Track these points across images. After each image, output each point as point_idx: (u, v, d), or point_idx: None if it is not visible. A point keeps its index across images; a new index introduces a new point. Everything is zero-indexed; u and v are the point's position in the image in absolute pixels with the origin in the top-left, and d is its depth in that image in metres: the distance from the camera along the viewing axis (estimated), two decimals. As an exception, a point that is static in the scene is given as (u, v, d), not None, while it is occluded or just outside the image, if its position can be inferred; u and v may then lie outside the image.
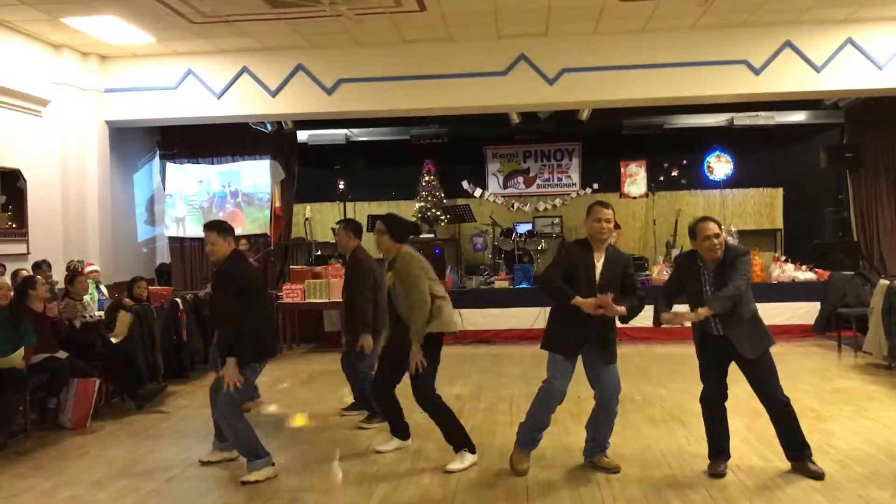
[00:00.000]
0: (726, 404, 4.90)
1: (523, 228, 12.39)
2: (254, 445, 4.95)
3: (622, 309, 4.66)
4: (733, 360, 4.81)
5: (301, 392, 7.84)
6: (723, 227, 4.91)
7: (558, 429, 5.98)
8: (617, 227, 12.21)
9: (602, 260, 4.81)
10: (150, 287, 8.42)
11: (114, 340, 7.13)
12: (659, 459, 5.18)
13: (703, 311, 4.59)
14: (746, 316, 4.71)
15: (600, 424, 4.99)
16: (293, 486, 4.85)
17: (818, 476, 4.66)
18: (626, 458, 5.19)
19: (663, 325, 4.86)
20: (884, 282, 8.24)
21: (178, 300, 8.62)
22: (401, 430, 5.60)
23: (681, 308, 4.83)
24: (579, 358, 4.87)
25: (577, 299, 4.67)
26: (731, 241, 5.38)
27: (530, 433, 4.97)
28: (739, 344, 4.69)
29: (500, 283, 11.06)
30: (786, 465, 4.90)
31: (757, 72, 9.39)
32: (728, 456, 4.89)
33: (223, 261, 5.02)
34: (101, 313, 7.83)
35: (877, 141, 11.46)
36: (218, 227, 5.07)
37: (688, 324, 4.82)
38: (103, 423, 6.62)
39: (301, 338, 10.94)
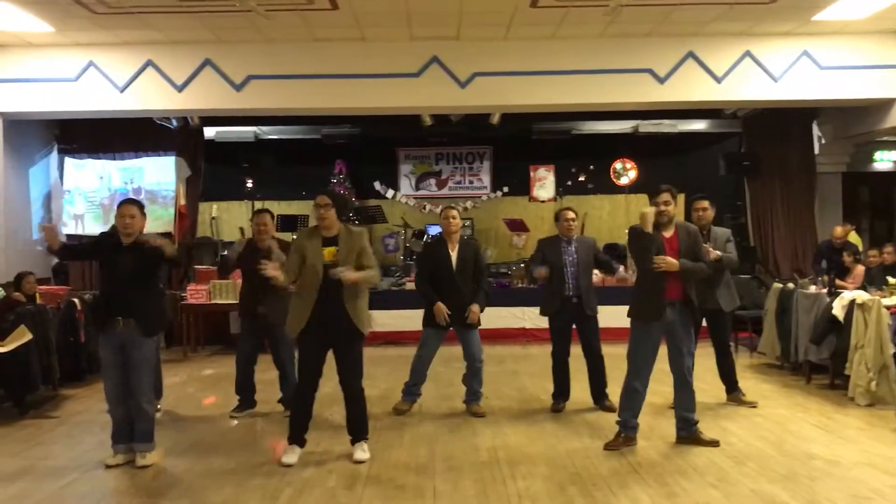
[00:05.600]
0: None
1: (435, 230, 12.43)
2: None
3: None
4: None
5: (203, 395, 7.66)
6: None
7: (466, 429, 6.05)
8: (526, 229, 12.44)
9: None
10: (49, 287, 8.06)
11: (0, 350, 6.69)
12: (563, 457, 5.28)
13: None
14: None
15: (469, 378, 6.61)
16: (194, 491, 4.73)
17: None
18: (532, 457, 5.28)
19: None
20: (777, 285, 8.62)
21: (76, 300, 8.27)
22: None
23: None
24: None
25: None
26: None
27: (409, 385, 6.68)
28: None
29: (412, 285, 11.05)
30: (684, 461, 5.08)
31: (661, 81, 9.67)
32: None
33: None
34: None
35: (772, 150, 11.96)
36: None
37: None
38: (-8, 428, 6.32)
39: (205, 340, 10.68)
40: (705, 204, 6.73)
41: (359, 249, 5.19)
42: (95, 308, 5.42)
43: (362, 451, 5.26)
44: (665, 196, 5.39)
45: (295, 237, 5.51)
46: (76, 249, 6.33)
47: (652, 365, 5.43)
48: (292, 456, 5.21)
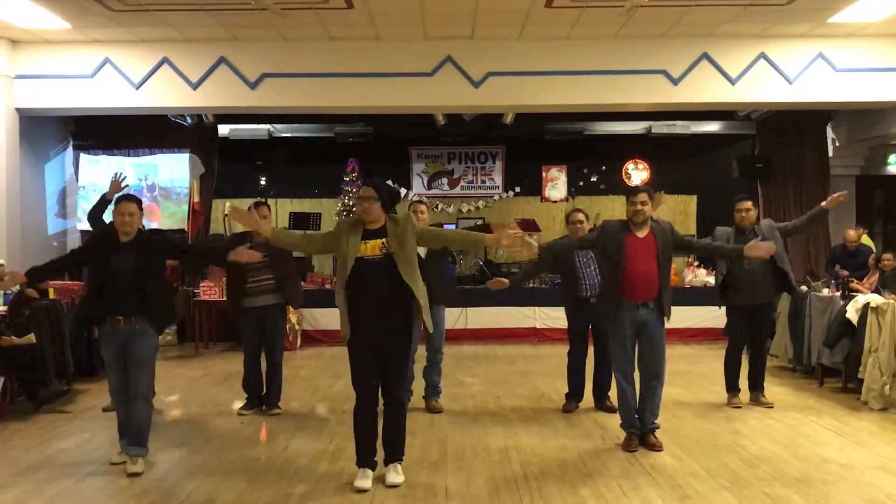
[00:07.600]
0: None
1: (448, 227, 12.42)
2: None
3: None
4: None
5: (215, 391, 7.70)
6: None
7: (477, 429, 6.05)
8: (538, 229, 12.43)
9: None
10: (63, 282, 8.10)
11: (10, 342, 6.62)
12: (575, 458, 5.28)
13: None
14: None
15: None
16: (208, 487, 4.75)
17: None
18: (543, 457, 5.28)
19: None
20: (790, 288, 8.58)
21: (90, 296, 8.31)
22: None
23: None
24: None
25: None
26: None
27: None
28: None
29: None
30: (696, 464, 5.07)
31: (675, 82, 9.64)
32: None
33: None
34: (5, 308, 7.49)
35: (785, 152, 11.91)
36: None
37: None
38: (6, 422, 6.35)
39: (218, 336, 10.73)
40: (749, 205, 6.71)
41: (414, 232, 4.69)
42: (90, 308, 5.29)
43: (396, 474, 4.77)
44: (642, 196, 5.42)
45: (339, 220, 5.44)
46: (47, 269, 5.44)
47: (632, 361, 5.49)
48: (365, 481, 4.68)
